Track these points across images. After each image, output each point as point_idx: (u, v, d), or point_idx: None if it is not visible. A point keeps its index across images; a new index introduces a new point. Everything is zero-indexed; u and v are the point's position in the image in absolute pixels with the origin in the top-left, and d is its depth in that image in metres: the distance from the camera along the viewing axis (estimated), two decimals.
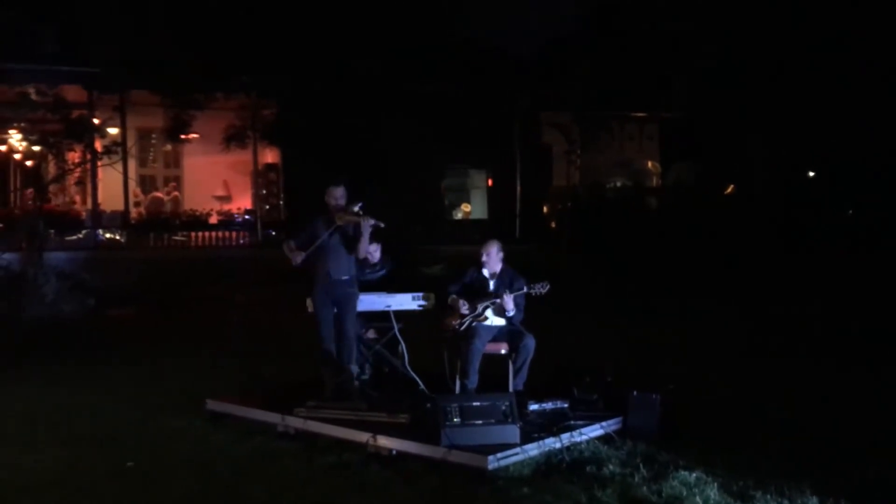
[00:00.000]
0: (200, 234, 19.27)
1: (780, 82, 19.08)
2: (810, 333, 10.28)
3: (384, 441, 5.63)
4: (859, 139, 19.81)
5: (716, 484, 4.94)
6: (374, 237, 7.05)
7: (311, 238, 6.78)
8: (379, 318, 7.08)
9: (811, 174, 23.47)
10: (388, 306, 7.06)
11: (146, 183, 21.98)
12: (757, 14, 18.57)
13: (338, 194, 6.80)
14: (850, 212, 22.31)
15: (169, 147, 21.65)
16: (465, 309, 6.75)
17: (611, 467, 5.28)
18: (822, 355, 8.98)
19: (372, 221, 6.60)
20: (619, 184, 26.15)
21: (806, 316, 11.42)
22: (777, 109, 19.52)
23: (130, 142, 19.23)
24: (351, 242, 6.74)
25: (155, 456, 5.87)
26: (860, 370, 8.27)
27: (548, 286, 6.69)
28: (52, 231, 17.34)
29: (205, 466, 5.60)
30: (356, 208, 6.66)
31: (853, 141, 19.94)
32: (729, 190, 23.17)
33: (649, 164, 27.65)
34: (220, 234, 19.49)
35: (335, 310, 6.79)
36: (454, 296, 6.89)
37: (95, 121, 17.85)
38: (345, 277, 6.77)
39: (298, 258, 6.71)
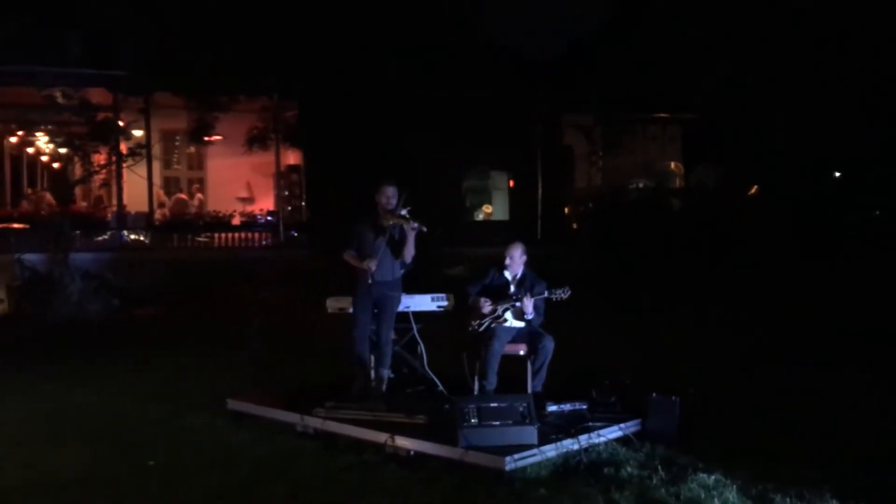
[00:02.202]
0: (223, 235, 19.38)
1: (804, 80, 18.88)
2: (834, 337, 10.14)
3: (402, 441, 5.65)
4: (886, 138, 19.54)
5: (735, 487, 4.92)
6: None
7: (362, 243, 6.79)
8: (398, 319, 7.08)
9: (837, 174, 23.20)
10: (408, 307, 7.09)
11: (170, 185, 22.20)
12: (780, 12, 18.39)
13: (389, 193, 6.78)
14: (878, 212, 22.01)
15: (193, 149, 21.85)
16: (487, 308, 6.75)
17: (629, 469, 5.27)
18: (846, 360, 8.87)
19: (415, 225, 6.60)
20: (641, 185, 26.00)
21: (829, 319, 11.28)
22: (802, 108, 19.32)
23: (155, 144, 19.42)
24: (396, 246, 6.74)
25: (176, 454, 5.94)
26: (883, 374, 8.15)
27: (569, 292, 6.67)
28: (78, 232, 17.55)
29: (225, 465, 5.66)
30: (404, 212, 6.66)
31: (879, 140, 19.68)
32: (753, 191, 22.96)
33: (672, 165, 27.47)
34: (242, 235, 19.59)
35: (374, 311, 6.80)
36: (474, 296, 6.89)
37: (120, 123, 18.05)
38: (388, 279, 6.78)
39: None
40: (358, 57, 16.48)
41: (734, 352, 9.54)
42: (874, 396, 7.35)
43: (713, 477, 5.05)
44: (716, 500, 4.75)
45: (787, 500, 4.74)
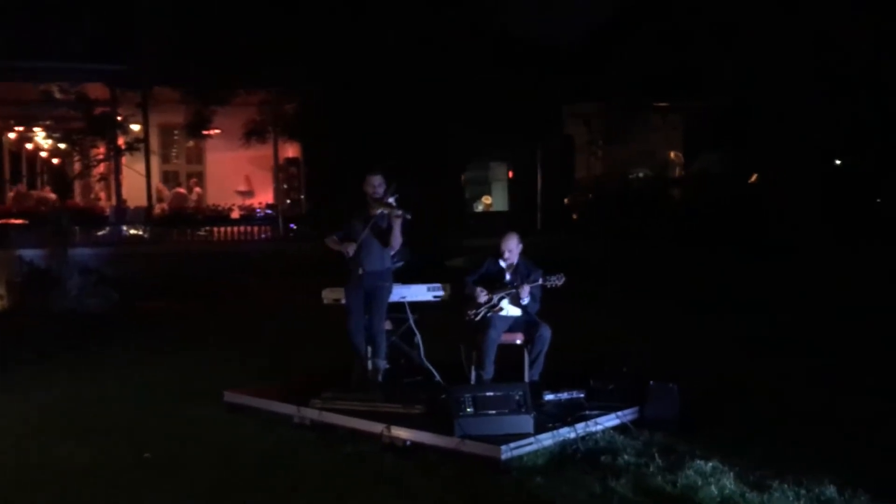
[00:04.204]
0: (223, 228, 19.42)
1: (810, 71, 18.81)
2: (834, 327, 10.07)
3: (399, 432, 5.64)
4: (888, 127, 19.48)
5: (732, 474, 4.89)
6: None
7: (349, 232, 6.78)
8: (394, 310, 7.08)
9: (838, 162, 23.14)
10: (404, 297, 7.06)
11: (169, 179, 22.20)
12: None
13: (375, 182, 6.75)
14: (879, 200, 21.97)
15: (191, 143, 21.84)
16: (482, 297, 6.73)
17: (626, 457, 5.25)
18: (854, 348, 8.79)
19: (399, 212, 6.57)
20: (641, 175, 25.98)
21: (829, 308, 11.21)
22: (805, 98, 19.25)
23: (153, 138, 19.40)
24: (384, 234, 6.72)
25: (176, 447, 5.92)
26: (884, 364, 8.08)
27: (563, 278, 6.66)
28: (77, 227, 17.56)
29: (225, 458, 5.65)
30: (391, 199, 6.64)
31: (881, 129, 19.62)
32: (753, 179, 22.92)
33: (672, 154, 27.43)
34: (242, 228, 19.63)
35: (366, 302, 6.78)
36: (471, 285, 6.88)
37: (118, 118, 18.04)
38: (378, 269, 6.76)
39: (351, 249, 6.68)
40: (358, 47, 16.40)
41: (737, 339, 9.47)
42: (881, 385, 7.30)
43: (710, 464, 5.03)
44: (713, 487, 4.72)
45: (785, 486, 4.72)
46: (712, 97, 22.35)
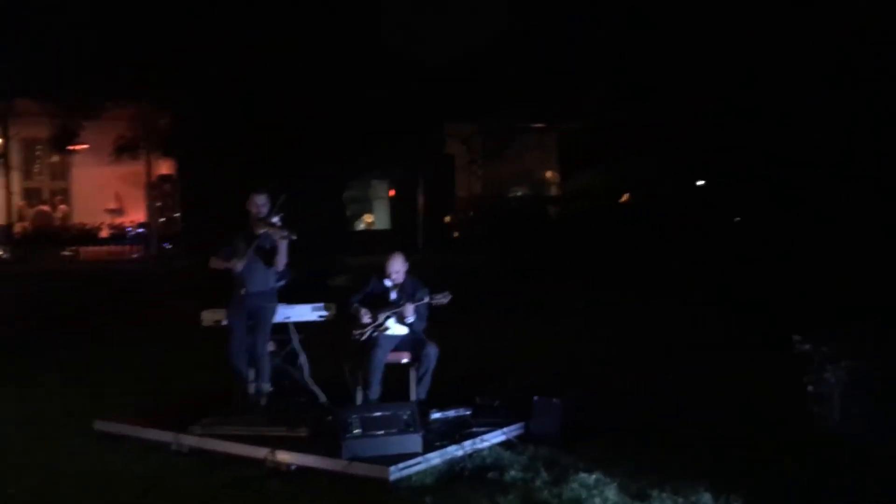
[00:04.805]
0: (91, 248, 18.55)
1: (673, 97, 19.72)
2: (709, 333, 10.46)
3: (283, 456, 5.51)
4: (748, 149, 20.64)
5: (615, 485, 5.03)
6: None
7: (234, 252, 6.66)
8: (277, 330, 6.94)
9: (700, 182, 24.35)
10: (288, 318, 6.95)
11: (31, 196, 21.02)
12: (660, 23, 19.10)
13: (259, 202, 6.69)
14: (738, 219, 23.24)
15: (56, 158, 20.76)
16: (366, 318, 6.68)
17: (512, 473, 5.31)
18: (729, 355, 9.15)
19: (285, 233, 6.50)
20: (520, 193, 26.61)
21: (702, 315, 11.67)
22: (670, 122, 20.18)
23: (13, 153, 18.35)
24: (268, 255, 6.62)
25: (44, 480, 5.58)
26: (757, 370, 8.44)
27: (449, 296, 6.70)
28: None
29: (97, 489, 5.37)
30: (275, 219, 6.53)
31: (741, 151, 20.77)
32: (624, 198, 23.84)
33: (548, 173, 28.24)
34: (111, 248, 18.81)
35: (249, 323, 6.65)
36: (356, 305, 6.81)
37: None
38: (262, 290, 6.65)
39: (240, 265, 6.58)
40: (233, 61, 16.04)
41: (605, 353, 9.68)
42: (748, 388, 7.66)
43: (594, 476, 5.15)
44: (596, 499, 4.85)
45: (664, 495, 4.88)
46: (584, 118, 23.15)
